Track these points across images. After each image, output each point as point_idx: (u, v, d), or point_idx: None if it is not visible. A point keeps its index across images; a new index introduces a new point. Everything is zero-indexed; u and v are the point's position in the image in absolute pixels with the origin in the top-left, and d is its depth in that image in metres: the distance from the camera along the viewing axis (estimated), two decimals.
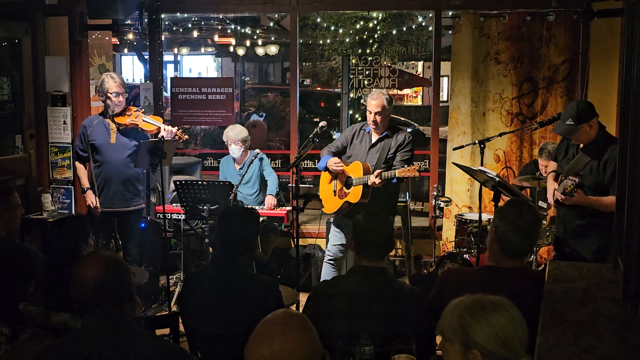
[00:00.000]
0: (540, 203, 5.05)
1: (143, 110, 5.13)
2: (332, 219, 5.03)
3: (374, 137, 4.71)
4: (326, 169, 4.76)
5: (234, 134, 5.50)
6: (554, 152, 4.43)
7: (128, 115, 4.91)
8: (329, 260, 4.85)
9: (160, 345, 2.16)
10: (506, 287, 2.59)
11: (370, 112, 4.61)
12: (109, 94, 4.84)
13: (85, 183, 4.92)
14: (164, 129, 4.81)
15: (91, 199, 4.85)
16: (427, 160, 6.41)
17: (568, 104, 4.12)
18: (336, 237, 4.84)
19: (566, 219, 3.95)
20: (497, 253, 2.79)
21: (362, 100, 9.60)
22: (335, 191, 4.75)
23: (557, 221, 4.07)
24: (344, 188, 4.67)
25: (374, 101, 4.60)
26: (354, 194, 4.57)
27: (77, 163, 5.06)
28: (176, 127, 4.93)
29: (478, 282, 2.72)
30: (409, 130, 7.85)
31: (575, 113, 3.74)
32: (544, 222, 4.92)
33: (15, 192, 3.68)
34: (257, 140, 9.42)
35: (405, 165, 4.54)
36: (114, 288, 2.11)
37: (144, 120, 4.88)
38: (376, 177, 4.39)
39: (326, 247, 4.96)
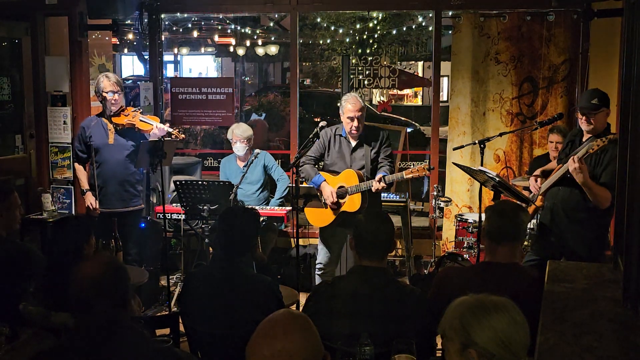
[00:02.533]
0: None
1: (141, 110, 5.14)
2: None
3: (353, 141, 4.62)
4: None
5: (240, 131, 5.55)
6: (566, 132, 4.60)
7: (125, 115, 4.91)
8: (318, 272, 4.84)
9: (157, 349, 2.15)
10: (504, 283, 2.61)
11: (352, 118, 4.48)
12: (104, 94, 4.84)
13: (85, 184, 4.92)
14: (156, 127, 4.82)
15: (90, 200, 4.85)
16: (427, 160, 6.41)
17: (589, 89, 4.20)
18: (323, 250, 4.79)
19: (556, 208, 3.99)
20: (488, 245, 2.87)
21: None
22: (325, 203, 4.66)
23: (545, 209, 4.09)
24: (338, 199, 4.58)
25: (352, 105, 4.49)
26: (352, 203, 4.50)
27: (76, 164, 5.06)
28: (167, 124, 4.94)
29: (476, 279, 2.73)
30: (409, 130, 7.86)
31: (602, 95, 3.87)
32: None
33: (15, 192, 3.68)
34: (257, 139, 9.42)
35: (388, 160, 4.52)
36: (110, 288, 2.10)
37: (141, 120, 4.88)
38: (379, 181, 4.32)
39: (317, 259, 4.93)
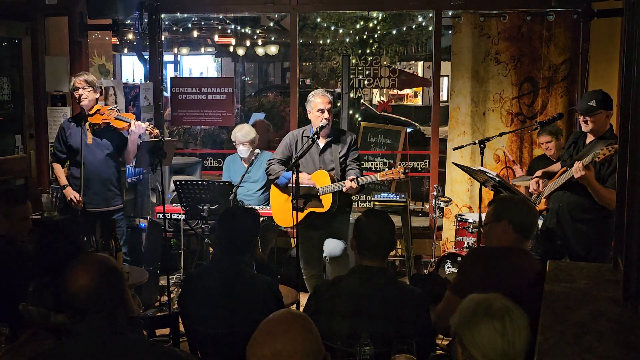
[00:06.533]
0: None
1: (117, 108, 5.15)
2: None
3: (321, 143, 4.63)
4: (286, 184, 4.64)
5: (242, 135, 5.55)
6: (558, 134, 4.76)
7: (100, 114, 4.92)
8: (304, 276, 4.82)
9: (156, 351, 2.14)
10: (527, 268, 2.83)
11: (323, 110, 4.54)
12: (73, 92, 4.89)
13: (64, 181, 4.96)
14: (134, 124, 4.85)
15: (72, 193, 4.87)
16: (427, 160, 6.41)
17: (590, 90, 4.19)
18: (301, 255, 4.75)
19: (562, 211, 3.98)
20: (517, 240, 2.92)
21: (362, 100, 9.59)
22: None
23: (550, 212, 4.09)
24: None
25: (321, 99, 4.55)
26: (323, 203, 4.52)
27: (54, 164, 5.09)
28: (147, 123, 4.97)
29: (503, 260, 2.84)
30: (409, 130, 7.85)
31: (600, 97, 3.86)
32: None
33: (29, 203, 3.58)
34: (259, 140, 9.42)
35: (357, 164, 4.54)
36: (105, 298, 2.05)
37: (115, 118, 4.90)
38: (352, 181, 4.33)
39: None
